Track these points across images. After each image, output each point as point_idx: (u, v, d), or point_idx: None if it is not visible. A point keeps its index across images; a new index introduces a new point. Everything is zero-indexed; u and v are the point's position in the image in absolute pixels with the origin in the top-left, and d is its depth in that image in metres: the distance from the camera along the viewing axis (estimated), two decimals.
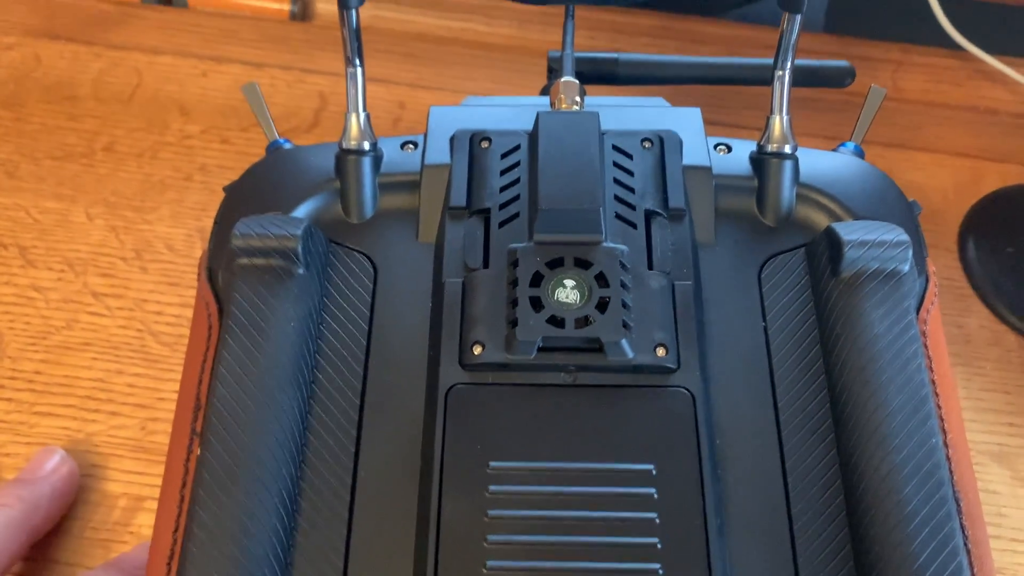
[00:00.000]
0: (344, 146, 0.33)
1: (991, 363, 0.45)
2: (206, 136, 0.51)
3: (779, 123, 0.33)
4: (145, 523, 0.39)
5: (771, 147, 0.33)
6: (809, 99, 0.52)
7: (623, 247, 0.30)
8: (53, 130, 0.51)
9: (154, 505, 0.39)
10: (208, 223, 0.48)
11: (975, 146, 0.52)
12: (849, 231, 0.30)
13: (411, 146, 0.34)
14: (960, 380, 0.44)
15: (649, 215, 0.31)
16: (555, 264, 0.29)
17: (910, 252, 0.30)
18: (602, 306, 0.29)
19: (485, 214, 0.32)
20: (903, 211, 0.33)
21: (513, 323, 0.28)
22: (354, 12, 0.32)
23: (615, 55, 0.41)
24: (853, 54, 0.55)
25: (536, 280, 0.29)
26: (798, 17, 0.32)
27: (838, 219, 0.32)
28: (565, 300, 0.29)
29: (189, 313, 0.44)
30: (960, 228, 0.49)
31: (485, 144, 0.33)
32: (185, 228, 0.47)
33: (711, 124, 0.35)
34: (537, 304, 0.29)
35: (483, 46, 0.55)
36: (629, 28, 0.56)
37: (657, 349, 0.28)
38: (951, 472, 0.27)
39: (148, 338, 0.44)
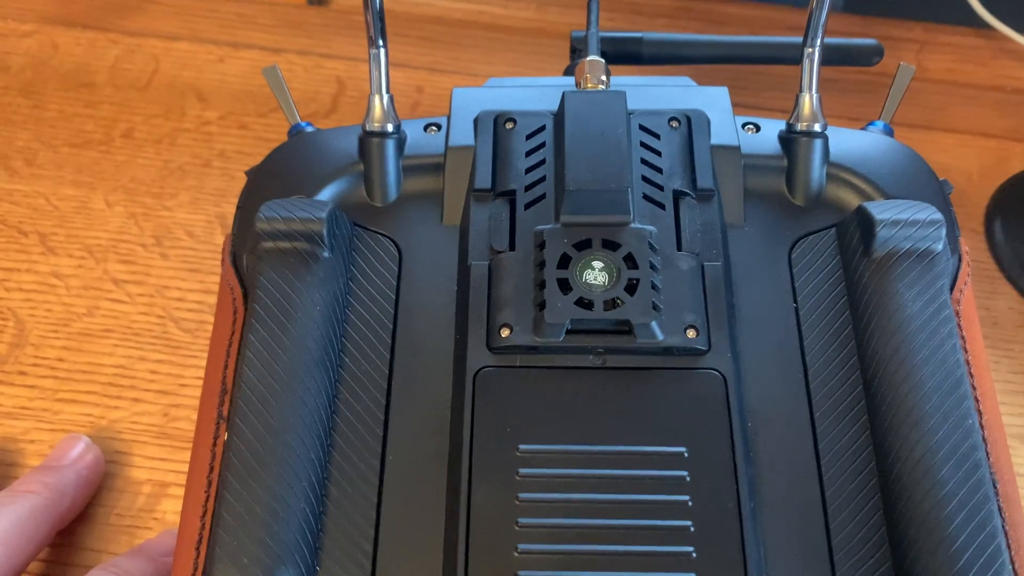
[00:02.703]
0: (368, 128, 0.33)
1: (1020, 345, 0.44)
2: (224, 122, 0.50)
3: (808, 101, 0.33)
4: (169, 509, 0.39)
5: (801, 126, 0.32)
6: (832, 80, 0.51)
7: (652, 228, 0.30)
8: (71, 117, 0.50)
9: (178, 491, 0.39)
10: (228, 209, 0.47)
11: (1001, 126, 0.52)
12: (881, 210, 0.30)
13: (434, 128, 0.34)
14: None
15: (677, 196, 0.31)
16: (583, 246, 0.29)
17: (943, 231, 0.30)
18: (631, 288, 0.28)
19: (510, 196, 0.31)
20: (934, 190, 0.33)
21: (541, 305, 0.28)
22: None
23: (639, 34, 0.40)
24: (876, 34, 0.54)
25: (564, 262, 0.29)
26: None
27: (869, 198, 0.32)
28: (593, 282, 0.29)
29: (210, 299, 0.44)
30: (986, 209, 0.49)
31: (510, 125, 0.33)
32: (205, 214, 0.47)
33: (732, 106, 0.34)
34: (565, 286, 0.28)
35: (501, 29, 0.55)
36: (649, 9, 0.55)
37: (687, 331, 0.28)
38: (987, 454, 0.27)
39: (170, 324, 0.44)
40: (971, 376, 0.28)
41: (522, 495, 0.26)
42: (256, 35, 0.54)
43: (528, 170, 0.32)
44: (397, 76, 0.52)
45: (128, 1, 0.55)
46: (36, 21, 0.54)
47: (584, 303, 0.28)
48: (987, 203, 0.49)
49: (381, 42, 0.33)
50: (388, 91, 0.33)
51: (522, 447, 0.27)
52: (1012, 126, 0.52)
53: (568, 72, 0.40)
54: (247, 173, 0.34)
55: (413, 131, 0.34)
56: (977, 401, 0.28)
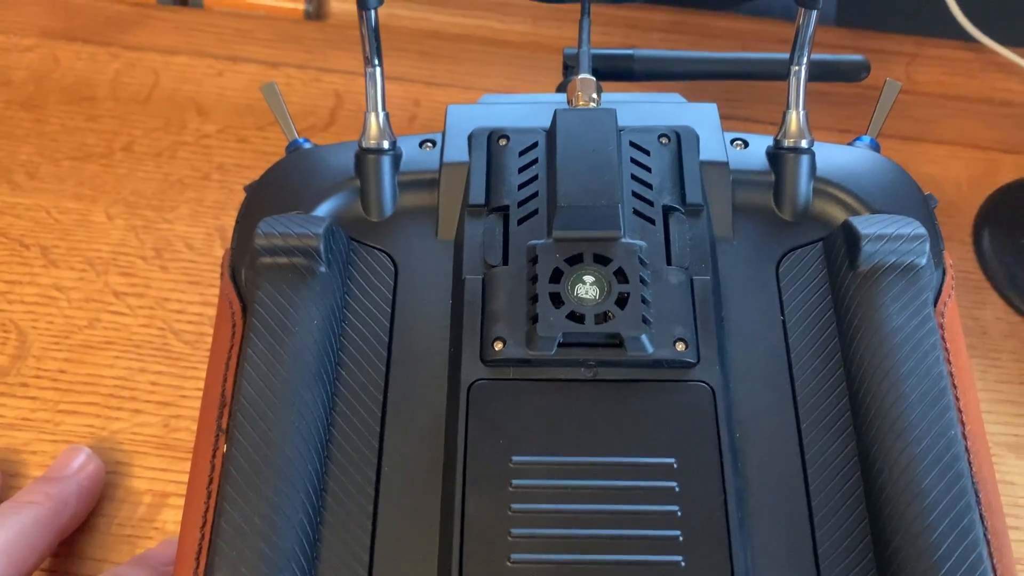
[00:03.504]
0: (364, 145, 0.33)
1: (1007, 355, 0.45)
2: (223, 135, 0.51)
3: (795, 118, 0.33)
4: (170, 519, 0.39)
5: (788, 142, 0.33)
6: (822, 93, 0.52)
7: (641, 243, 0.30)
8: (72, 131, 0.51)
9: (179, 501, 0.39)
10: (227, 222, 0.48)
11: (989, 138, 0.52)
12: (867, 225, 0.30)
13: (429, 144, 0.35)
14: (976, 372, 0.44)
15: (667, 211, 0.32)
16: (574, 260, 0.30)
17: (927, 245, 0.30)
18: (621, 302, 0.29)
19: (504, 211, 0.32)
20: (919, 204, 0.33)
21: (534, 319, 0.29)
22: (373, 12, 0.32)
23: (631, 51, 0.41)
24: (866, 47, 0.55)
25: (556, 276, 0.29)
26: (814, 13, 0.32)
27: (855, 213, 0.32)
28: (585, 296, 0.29)
29: (210, 311, 0.45)
30: (975, 220, 0.49)
31: (503, 142, 0.33)
32: (204, 227, 0.48)
33: (725, 119, 0.35)
34: (557, 300, 0.29)
35: (497, 43, 0.55)
36: (642, 24, 0.56)
37: (677, 344, 0.29)
38: (970, 463, 0.28)
39: (170, 336, 0.44)
40: (954, 388, 0.29)
41: (515, 506, 0.26)
42: (254, 49, 0.55)
43: (521, 186, 0.32)
44: (394, 90, 0.53)
45: (128, 16, 0.56)
46: (37, 36, 0.55)
47: (576, 317, 0.29)
48: (975, 214, 0.50)
49: (377, 61, 0.33)
50: (384, 108, 0.34)
51: (515, 458, 0.27)
52: (1000, 137, 0.52)
53: (561, 89, 0.40)
54: (246, 188, 0.35)
55: (408, 147, 0.34)
56: (960, 412, 0.29)
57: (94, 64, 0.54)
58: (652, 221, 0.31)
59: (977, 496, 0.27)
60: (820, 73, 0.40)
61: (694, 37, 0.55)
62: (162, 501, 0.40)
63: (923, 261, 0.30)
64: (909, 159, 0.51)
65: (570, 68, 0.40)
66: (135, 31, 0.55)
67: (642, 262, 0.30)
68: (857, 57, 0.41)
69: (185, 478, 0.31)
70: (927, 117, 0.53)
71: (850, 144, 0.36)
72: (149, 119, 0.52)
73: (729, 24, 0.56)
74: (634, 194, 0.32)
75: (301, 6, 0.55)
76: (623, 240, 0.30)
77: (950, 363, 0.30)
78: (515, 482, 0.27)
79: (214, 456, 0.29)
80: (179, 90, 0.53)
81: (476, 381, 0.29)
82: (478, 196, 0.32)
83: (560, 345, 0.29)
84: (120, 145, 0.51)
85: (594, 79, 0.35)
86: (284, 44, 0.55)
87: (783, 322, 0.31)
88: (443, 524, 0.27)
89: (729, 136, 0.34)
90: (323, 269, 0.30)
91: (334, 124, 0.52)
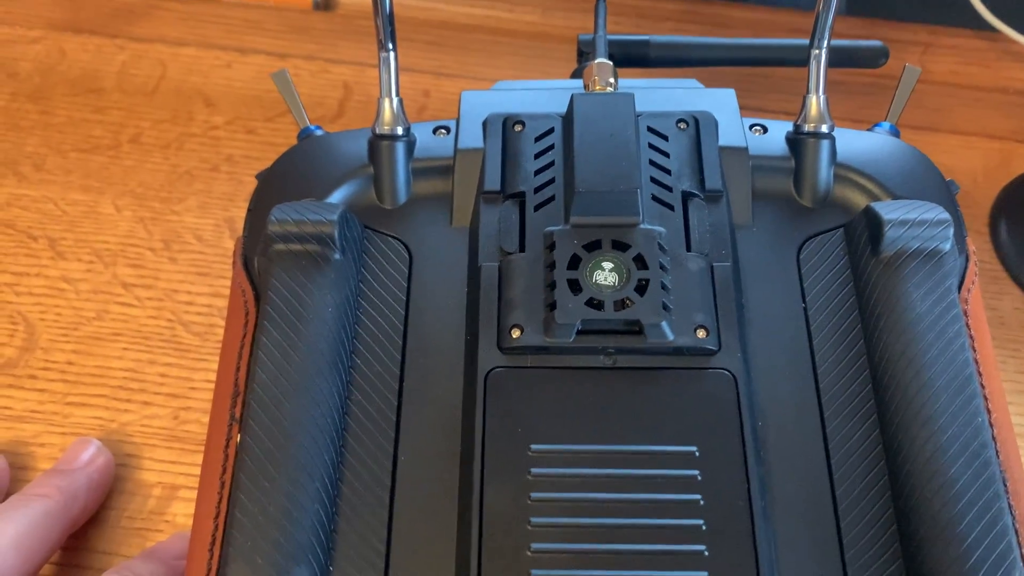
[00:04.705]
0: (377, 131, 0.33)
1: None
2: (231, 127, 0.51)
3: (816, 102, 0.33)
4: (180, 512, 0.39)
5: (808, 127, 0.33)
6: (836, 82, 0.51)
7: (661, 229, 0.30)
8: (79, 123, 0.51)
9: (189, 494, 0.39)
10: (236, 213, 0.48)
11: (1005, 128, 0.52)
12: (889, 210, 0.30)
13: (443, 131, 0.34)
14: None
15: (686, 196, 0.31)
16: (593, 247, 0.29)
17: (951, 231, 0.30)
18: (641, 288, 0.28)
19: (520, 198, 0.31)
20: (941, 190, 0.33)
21: (551, 306, 0.28)
22: None
23: (646, 37, 0.40)
24: (879, 36, 0.54)
25: (574, 263, 0.29)
26: None
27: (876, 199, 0.32)
28: (603, 282, 0.29)
29: (219, 303, 0.44)
30: (991, 210, 0.49)
31: (518, 127, 0.33)
32: (213, 218, 0.47)
33: None
34: (575, 287, 0.29)
35: (507, 33, 0.55)
36: (654, 13, 0.55)
37: (697, 331, 0.28)
38: (997, 451, 0.27)
39: (179, 328, 0.44)
40: (979, 375, 0.29)
41: (534, 494, 0.26)
42: (263, 40, 0.54)
43: (537, 172, 0.32)
44: (403, 80, 0.52)
45: (135, 7, 0.55)
46: (44, 27, 0.54)
47: (594, 304, 0.28)
48: (992, 204, 0.49)
49: (391, 45, 0.33)
50: (398, 94, 0.33)
51: (534, 447, 0.27)
52: (1016, 127, 0.52)
53: (575, 75, 0.40)
54: (257, 176, 0.34)
55: (422, 134, 0.34)
56: (986, 399, 0.28)
57: (101, 56, 0.53)
58: (671, 207, 0.31)
59: (1005, 484, 0.27)
60: (838, 59, 0.39)
61: (706, 27, 0.55)
62: (172, 494, 0.39)
63: (947, 247, 0.30)
64: (923, 149, 0.50)
65: (585, 54, 0.40)
66: (142, 22, 0.55)
67: (662, 248, 0.29)
68: (876, 43, 0.40)
69: (196, 471, 0.31)
70: (941, 107, 0.52)
71: (870, 130, 0.35)
72: (156, 111, 0.51)
73: (740, 13, 0.55)
74: (653, 180, 0.31)
75: None
76: (642, 226, 0.29)
77: (975, 350, 0.29)
78: (534, 471, 0.26)
79: (227, 446, 0.28)
80: (187, 81, 0.52)
81: (493, 369, 0.28)
82: (493, 182, 0.32)
83: (578, 332, 0.28)
84: (127, 137, 0.50)
85: (611, 64, 0.35)
86: (293, 35, 0.54)
87: (804, 309, 0.30)
88: (461, 513, 0.26)
89: (748, 122, 0.34)
90: (337, 256, 0.30)
91: (343, 116, 0.51)
